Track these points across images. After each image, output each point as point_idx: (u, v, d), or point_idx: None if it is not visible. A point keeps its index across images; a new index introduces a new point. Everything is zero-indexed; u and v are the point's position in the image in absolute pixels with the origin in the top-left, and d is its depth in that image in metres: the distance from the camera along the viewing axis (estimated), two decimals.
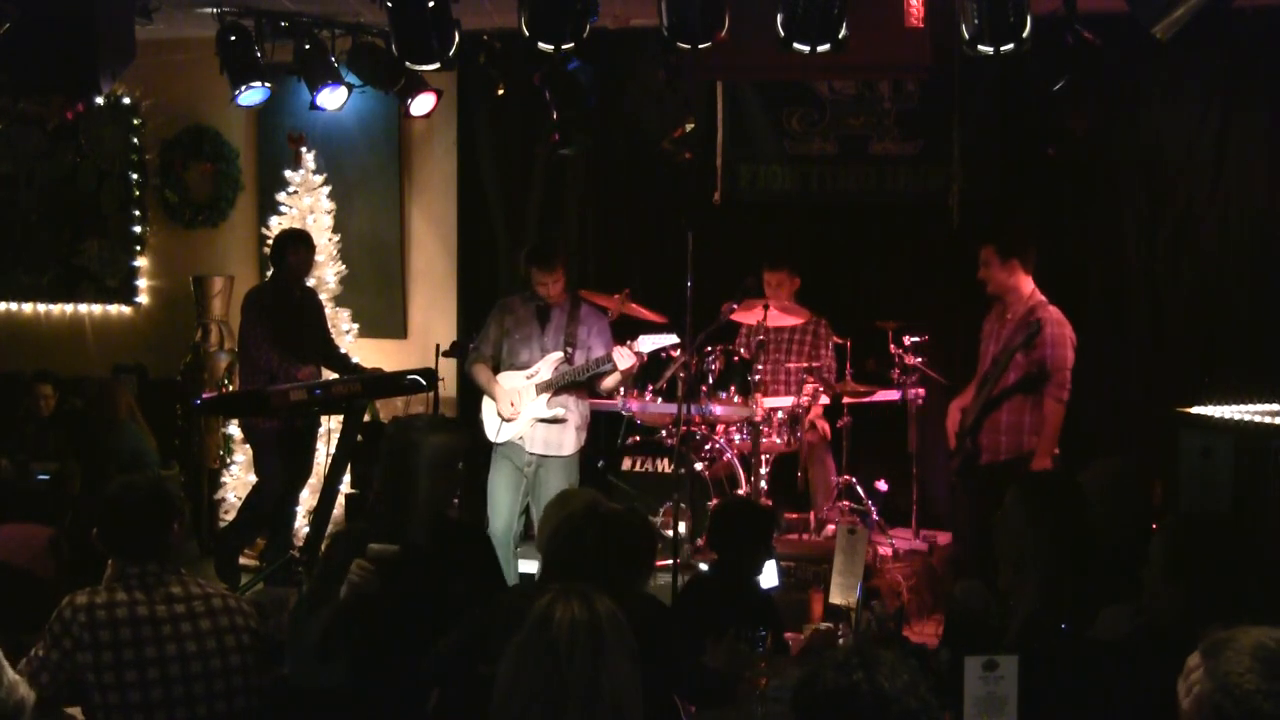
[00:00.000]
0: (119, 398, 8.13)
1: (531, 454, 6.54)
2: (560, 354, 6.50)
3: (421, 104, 7.94)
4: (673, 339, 6.54)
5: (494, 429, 6.59)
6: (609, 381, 6.60)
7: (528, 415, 6.49)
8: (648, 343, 6.38)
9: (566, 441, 6.57)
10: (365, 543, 3.76)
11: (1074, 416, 6.40)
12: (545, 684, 2.57)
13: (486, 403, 6.65)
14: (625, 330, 6.87)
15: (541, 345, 6.54)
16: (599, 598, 2.67)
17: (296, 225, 8.18)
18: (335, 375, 7.36)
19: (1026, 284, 6.40)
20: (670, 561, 5.94)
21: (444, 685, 3.81)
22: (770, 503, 7.22)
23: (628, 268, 8.06)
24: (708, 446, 7.26)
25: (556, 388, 6.48)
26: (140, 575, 3.58)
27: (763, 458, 7.20)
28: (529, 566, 6.75)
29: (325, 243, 8.48)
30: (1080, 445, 6.77)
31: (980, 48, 5.49)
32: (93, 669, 3.46)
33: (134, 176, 9.49)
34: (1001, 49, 5.47)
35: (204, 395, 7.87)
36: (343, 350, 7.81)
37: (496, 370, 6.66)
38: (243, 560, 7.59)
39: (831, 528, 7.14)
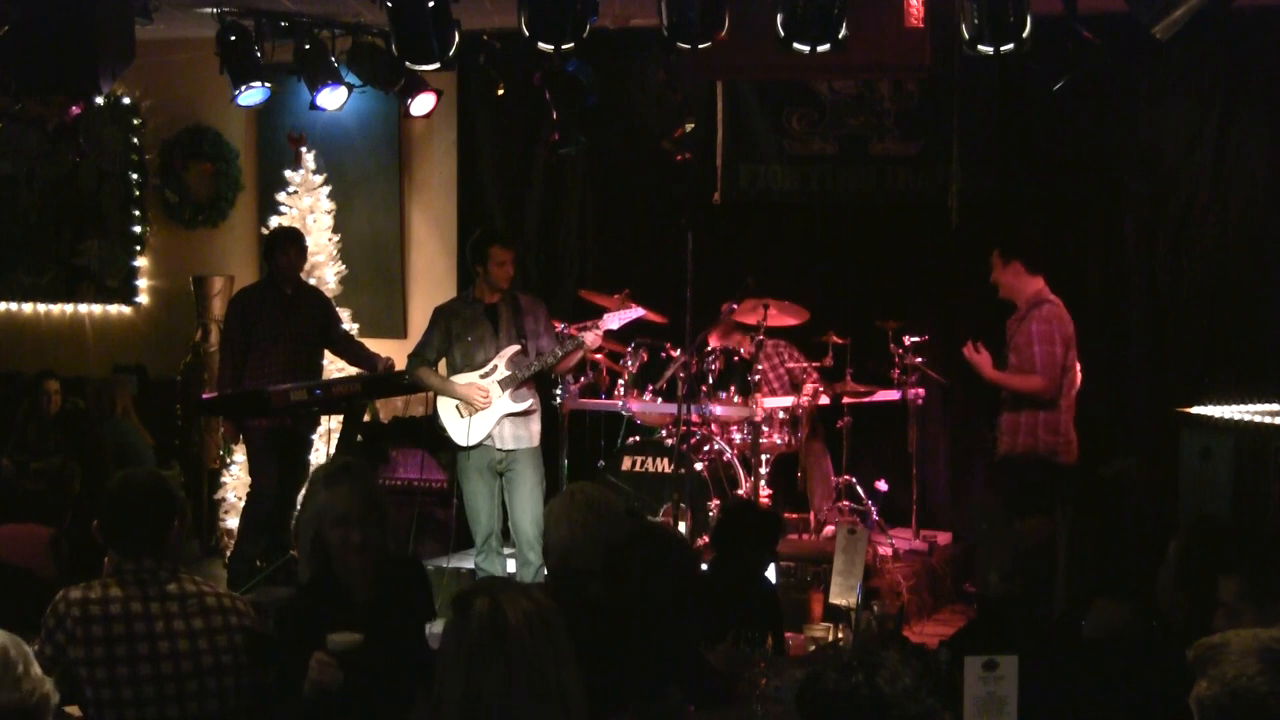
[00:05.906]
0: (115, 395, 8.20)
1: (503, 450, 6.44)
2: (517, 346, 6.44)
3: (421, 104, 7.93)
4: (639, 311, 6.68)
5: (462, 431, 6.42)
6: (568, 363, 6.62)
7: (497, 411, 6.42)
8: (613, 320, 6.54)
9: (535, 432, 6.53)
10: (312, 620, 3.50)
11: (1076, 417, 6.38)
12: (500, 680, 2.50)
13: (445, 407, 6.48)
14: (625, 330, 6.87)
15: (496, 343, 6.46)
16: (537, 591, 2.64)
17: (296, 225, 8.17)
18: (346, 372, 7.30)
19: (1031, 285, 6.29)
20: None
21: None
22: (770, 502, 7.23)
23: (628, 268, 8.06)
24: (707, 447, 7.25)
25: (522, 380, 6.43)
26: (136, 571, 3.56)
27: (763, 458, 7.20)
28: (513, 566, 6.73)
29: (325, 243, 8.48)
30: (1082, 446, 6.77)
31: (980, 48, 5.49)
32: (85, 663, 3.45)
33: (134, 176, 9.48)
34: (1001, 49, 5.47)
35: (204, 395, 7.87)
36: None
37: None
38: None
39: (831, 528, 7.14)
